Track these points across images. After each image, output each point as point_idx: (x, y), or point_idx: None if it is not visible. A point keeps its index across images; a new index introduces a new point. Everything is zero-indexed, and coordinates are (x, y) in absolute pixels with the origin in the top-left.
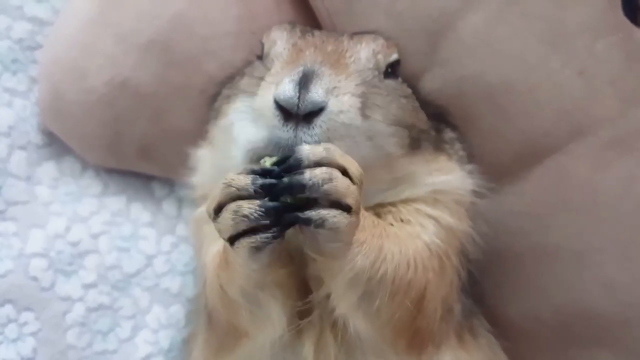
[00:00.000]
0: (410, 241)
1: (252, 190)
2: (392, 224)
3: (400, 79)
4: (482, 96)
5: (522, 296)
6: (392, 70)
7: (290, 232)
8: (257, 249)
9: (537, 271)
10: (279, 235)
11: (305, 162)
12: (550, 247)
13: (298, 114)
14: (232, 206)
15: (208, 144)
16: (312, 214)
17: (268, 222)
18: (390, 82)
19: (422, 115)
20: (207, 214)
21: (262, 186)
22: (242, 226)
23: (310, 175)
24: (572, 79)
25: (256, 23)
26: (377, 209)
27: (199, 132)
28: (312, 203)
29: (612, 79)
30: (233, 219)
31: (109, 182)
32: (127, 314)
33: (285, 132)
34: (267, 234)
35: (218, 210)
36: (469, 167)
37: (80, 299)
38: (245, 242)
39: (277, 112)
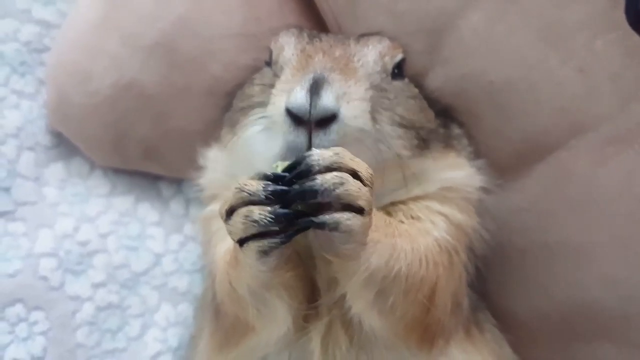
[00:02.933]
0: (421, 238)
1: (263, 197)
2: (402, 222)
3: (406, 79)
4: (483, 94)
5: (525, 291)
6: (398, 70)
7: (299, 235)
8: (264, 252)
9: (539, 267)
10: (287, 240)
11: (316, 168)
12: (551, 243)
13: (310, 121)
14: (244, 210)
15: (221, 147)
16: (326, 217)
17: (277, 227)
18: (397, 84)
19: (430, 114)
20: (220, 215)
21: (274, 193)
22: (252, 230)
23: (322, 181)
24: (572, 76)
25: (260, 24)
26: (388, 207)
27: (203, 132)
28: (324, 207)
29: (612, 76)
30: (243, 223)
31: (117, 182)
32: (135, 312)
33: (298, 137)
34: (275, 239)
35: (230, 212)
36: (478, 162)
37: (90, 298)
38: (253, 245)
39: (288, 119)
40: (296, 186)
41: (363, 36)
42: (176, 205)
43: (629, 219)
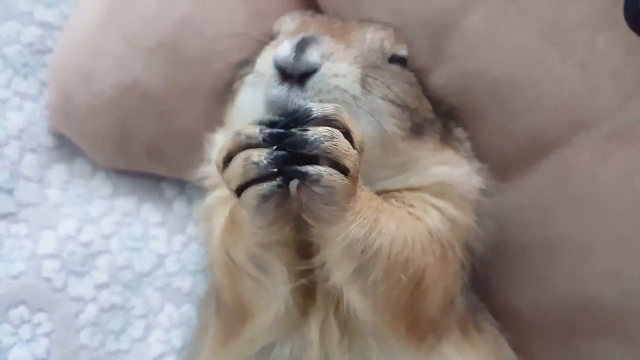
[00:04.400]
0: (410, 221)
1: (260, 139)
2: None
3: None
4: (486, 92)
5: (528, 287)
6: (400, 63)
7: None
8: (264, 197)
9: (542, 262)
10: (286, 184)
11: (314, 115)
12: (554, 239)
13: (293, 74)
14: (243, 155)
15: (224, 129)
16: (310, 168)
17: (276, 170)
18: (394, 67)
19: (427, 104)
20: (217, 167)
21: (270, 135)
22: (252, 174)
23: (314, 132)
24: (573, 73)
25: (263, 24)
26: (382, 195)
27: (206, 132)
28: (314, 160)
29: (612, 74)
30: (244, 167)
31: (119, 183)
32: (139, 313)
33: (280, 91)
34: (273, 182)
35: (227, 160)
36: (478, 164)
37: (93, 300)
38: (253, 191)
39: (275, 72)
40: (291, 131)
41: (368, 21)
42: (179, 206)
43: (630, 215)
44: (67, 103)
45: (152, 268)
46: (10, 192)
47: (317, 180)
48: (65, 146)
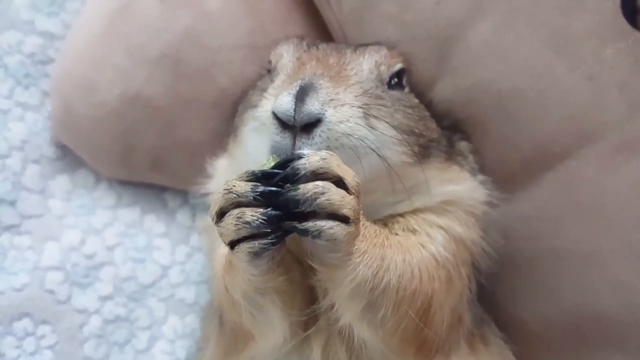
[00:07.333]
0: (416, 250)
1: (251, 198)
2: (397, 234)
3: (407, 89)
4: (491, 103)
5: (534, 299)
6: (397, 80)
7: (296, 240)
8: (255, 254)
9: (548, 274)
10: (279, 241)
11: (302, 172)
12: (561, 250)
13: (295, 125)
14: (236, 212)
15: (227, 156)
16: (309, 225)
17: (269, 229)
18: (394, 93)
19: (432, 124)
20: (210, 218)
21: (262, 194)
22: (244, 232)
23: (304, 190)
24: (580, 84)
25: (266, 35)
26: (385, 219)
27: (210, 143)
28: (312, 214)
29: (620, 84)
30: (235, 225)
31: (123, 194)
32: (143, 325)
33: (284, 139)
34: (266, 241)
35: (220, 215)
36: (481, 177)
37: (97, 311)
38: (244, 247)
39: (275, 122)
40: (281, 191)
41: (361, 45)
42: (182, 217)
43: (638, 226)
44: (69, 113)
45: (155, 279)
46: (12, 203)
47: (317, 235)
48: (68, 156)
